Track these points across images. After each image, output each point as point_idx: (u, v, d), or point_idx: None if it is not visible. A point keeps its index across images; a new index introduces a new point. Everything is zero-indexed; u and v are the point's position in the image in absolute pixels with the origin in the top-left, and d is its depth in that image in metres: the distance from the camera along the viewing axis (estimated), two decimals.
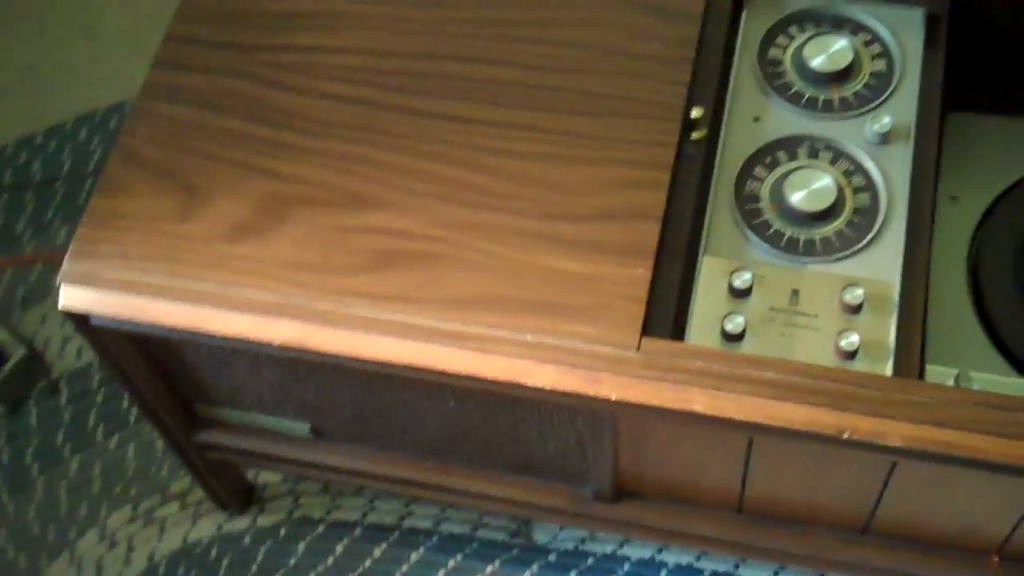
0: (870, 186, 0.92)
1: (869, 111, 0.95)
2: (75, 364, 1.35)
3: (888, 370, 0.85)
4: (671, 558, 1.18)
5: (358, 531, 1.23)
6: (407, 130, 0.94)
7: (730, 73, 0.98)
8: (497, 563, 1.20)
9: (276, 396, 1.01)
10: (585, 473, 0.99)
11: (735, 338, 0.87)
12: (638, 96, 0.93)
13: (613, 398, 0.83)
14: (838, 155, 0.94)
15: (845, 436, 0.80)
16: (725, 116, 0.96)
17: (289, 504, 1.25)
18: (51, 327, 1.37)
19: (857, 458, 0.85)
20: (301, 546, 1.22)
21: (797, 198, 0.91)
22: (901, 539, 0.96)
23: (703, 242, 0.91)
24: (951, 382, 0.90)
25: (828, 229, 0.91)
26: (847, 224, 0.91)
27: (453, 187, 0.91)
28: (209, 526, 1.25)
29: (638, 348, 0.83)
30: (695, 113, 0.92)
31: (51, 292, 1.39)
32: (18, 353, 1.32)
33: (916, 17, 0.99)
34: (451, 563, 1.20)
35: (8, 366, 1.31)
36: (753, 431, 0.83)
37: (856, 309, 0.87)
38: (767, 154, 0.94)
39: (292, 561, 1.22)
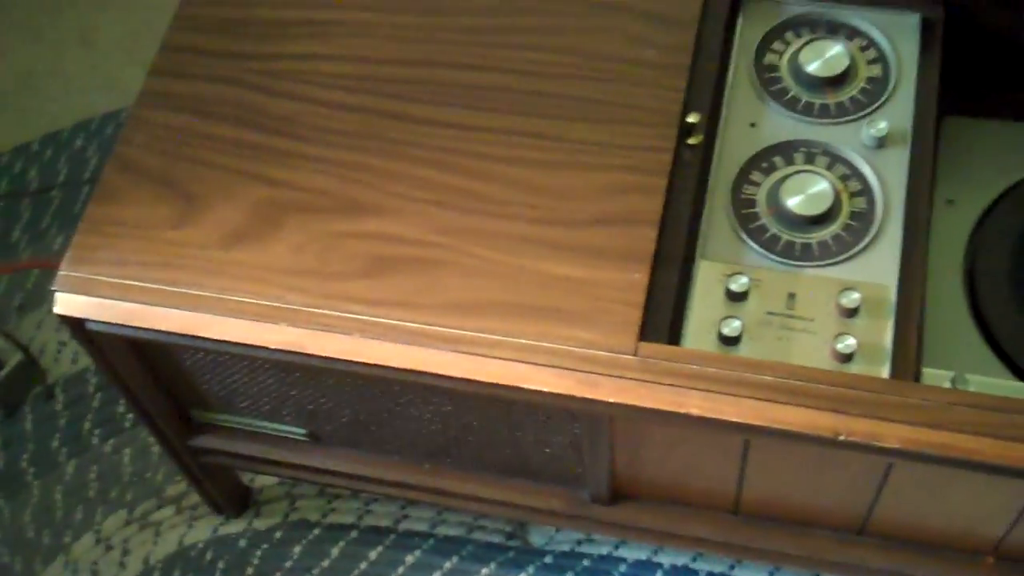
0: (866, 190, 0.93)
1: (865, 116, 0.96)
2: (71, 369, 1.35)
3: (885, 373, 0.85)
4: (667, 559, 1.19)
5: (354, 534, 1.23)
6: (403, 136, 0.94)
7: (726, 79, 0.98)
8: (493, 565, 1.20)
9: (272, 401, 1.01)
10: (581, 476, 0.99)
11: (732, 342, 0.87)
12: (635, 102, 0.93)
13: (610, 401, 0.83)
14: (834, 160, 0.94)
15: (841, 438, 0.80)
16: (721, 121, 0.96)
17: (285, 507, 1.25)
18: (47, 333, 1.37)
19: (853, 460, 0.85)
20: (297, 549, 1.22)
21: (794, 202, 0.91)
22: (897, 540, 0.97)
23: (700, 247, 0.91)
24: (947, 385, 0.90)
25: (825, 233, 0.91)
26: (843, 228, 0.91)
27: (449, 193, 0.91)
28: (205, 530, 1.25)
29: (635, 352, 0.83)
30: (692, 119, 0.92)
31: (47, 298, 1.39)
32: (14, 359, 1.32)
33: (911, 22, 1.00)
34: (447, 565, 1.20)
35: (4, 372, 1.31)
36: (750, 433, 0.84)
37: (852, 312, 0.87)
38: (763, 159, 0.95)
39: (288, 564, 1.22)
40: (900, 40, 0.99)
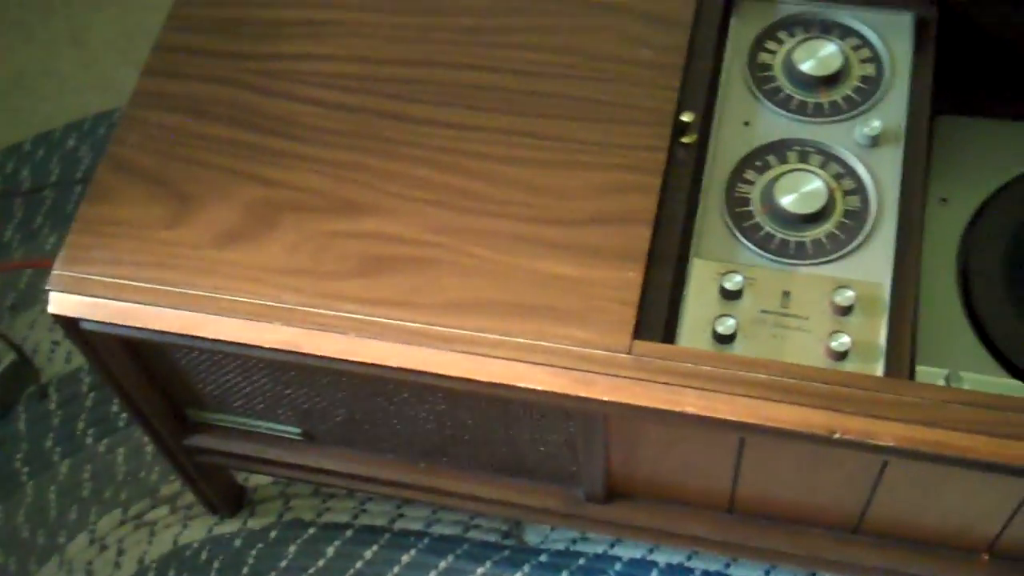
0: (860, 189, 0.93)
1: (859, 115, 0.96)
2: (64, 369, 1.35)
3: (879, 371, 0.86)
4: (662, 558, 1.19)
5: (349, 533, 1.23)
6: (398, 136, 0.94)
7: (720, 78, 0.98)
8: (488, 564, 1.20)
9: (267, 400, 1.01)
10: (577, 474, 0.99)
11: (726, 340, 0.87)
12: (630, 101, 0.93)
13: (605, 400, 0.83)
14: (828, 158, 0.94)
15: (836, 436, 0.81)
16: (715, 121, 0.96)
17: (280, 507, 1.25)
18: (40, 332, 1.37)
19: (848, 458, 0.86)
20: (292, 548, 1.22)
21: (788, 201, 0.91)
22: (892, 538, 0.97)
23: (694, 245, 0.91)
24: (941, 382, 0.90)
25: (819, 231, 0.91)
26: (837, 226, 0.91)
27: (444, 192, 0.91)
28: (199, 529, 1.24)
29: (630, 350, 0.83)
30: (686, 118, 0.93)
31: (40, 298, 1.39)
32: (7, 358, 1.32)
33: (905, 21, 1.00)
34: (442, 564, 1.20)
35: None
36: (744, 432, 0.84)
37: (847, 310, 0.87)
38: (757, 158, 0.95)
39: (283, 563, 1.22)
40: (893, 39, 0.99)
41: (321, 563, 1.21)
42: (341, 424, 1.02)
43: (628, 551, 1.20)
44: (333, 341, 0.86)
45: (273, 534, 1.23)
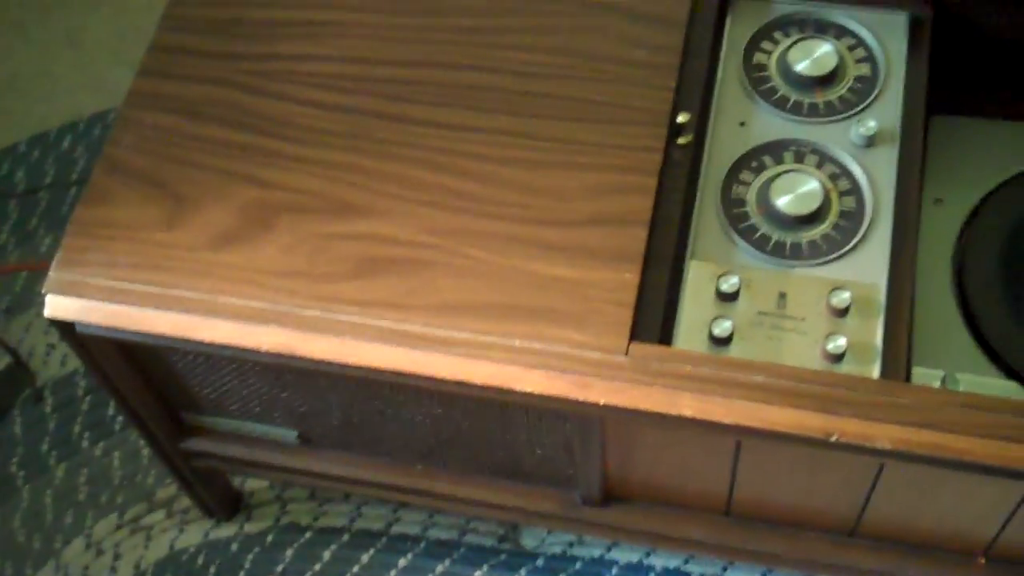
0: (856, 189, 0.93)
1: (854, 115, 0.96)
2: (60, 372, 1.35)
3: (875, 373, 0.85)
4: (659, 561, 1.19)
5: (345, 537, 1.23)
6: (393, 137, 0.94)
7: (715, 78, 0.98)
8: (485, 568, 1.20)
9: (263, 403, 1.01)
10: (573, 477, 0.99)
11: (723, 342, 0.87)
12: (625, 102, 0.93)
13: (602, 403, 0.83)
14: (824, 159, 0.94)
15: (833, 439, 0.80)
16: (711, 121, 0.96)
17: (276, 511, 1.25)
18: (35, 335, 1.37)
19: (845, 460, 0.85)
20: (289, 553, 1.22)
21: (783, 202, 0.91)
22: (889, 541, 0.97)
23: (690, 246, 0.91)
24: (937, 384, 0.90)
25: (815, 232, 0.91)
26: (833, 227, 0.91)
27: (440, 193, 0.91)
28: (196, 534, 1.24)
29: (626, 353, 0.83)
30: (681, 118, 0.92)
31: (35, 301, 1.39)
32: (2, 362, 1.32)
33: (899, 21, 1.00)
34: (439, 568, 1.20)
35: None
36: (741, 434, 0.84)
37: (843, 312, 0.87)
38: (753, 158, 0.95)
39: (280, 568, 1.21)
40: (888, 39, 0.99)
41: (318, 567, 1.21)
42: (337, 427, 1.02)
43: (625, 554, 1.19)
44: (329, 344, 0.86)
45: (270, 538, 1.23)
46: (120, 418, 1.30)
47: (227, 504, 1.23)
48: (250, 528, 1.24)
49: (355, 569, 1.21)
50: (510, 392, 0.84)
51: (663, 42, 0.96)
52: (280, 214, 0.91)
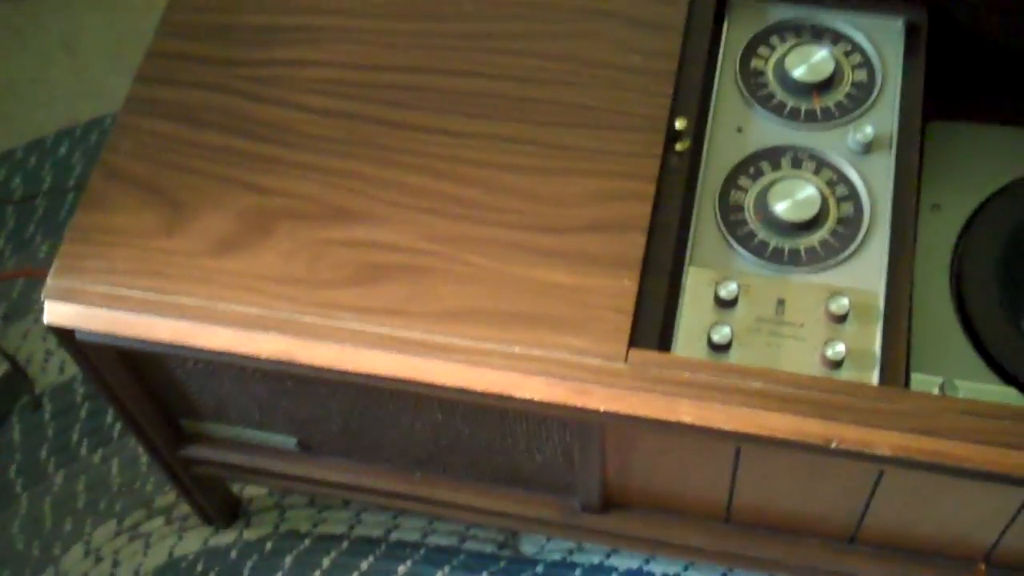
0: (853, 195, 0.93)
1: (851, 121, 0.96)
2: (58, 379, 1.34)
3: (874, 379, 0.85)
4: (659, 568, 1.19)
5: (345, 544, 1.22)
6: (392, 143, 0.94)
7: (713, 84, 0.98)
8: (485, 574, 1.19)
9: (263, 410, 1.01)
10: (573, 484, 0.99)
11: (722, 348, 0.87)
12: (623, 108, 0.93)
13: (601, 409, 0.83)
14: (821, 165, 0.94)
15: (832, 445, 0.80)
16: (708, 127, 0.96)
17: (275, 518, 1.25)
18: (33, 342, 1.37)
19: (844, 467, 0.85)
20: (288, 560, 1.22)
21: (781, 208, 0.91)
22: (889, 547, 0.97)
23: (688, 253, 0.91)
24: (936, 390, 0.90)
25: (813, 239, 0.91)
26: (831, 234, 0.91)
27: (439, 200, 0.91)
28: (195, 541, 1.24)
29: (626, 359, 0.83)
30: (679, 124, 0.93)
31: (33, 308, 1.39)
32: (0, 368, 1.32)
33: (896, 27, 1.00)
34: (438, 575, 1.20)
35: None
36: (741, 441, 0.84)
37: (841, 318, 0.87)
38: (751, 164, 0.95)
39: (279, 575, 1.21)
40: (885, 44, 0.99)
41: (317, 574, 1.21)
42: (337, 434, 1.02)
43: (624, 561, 1.19)
44: (328, 350, 0.86)
45: (269, 545, 1.23)
46: (119, 425, 1.30)
47: (226, 511, 1.23)
48: (249, 535, 1.24)
49: None
50: (510, 399, 0.84)
51: (660, 48, 0.96)
52: (279, 220, 0.91)
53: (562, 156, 0.92)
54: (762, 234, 0.92)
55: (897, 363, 0.86)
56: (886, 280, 0.89)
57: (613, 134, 0.92)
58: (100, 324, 0.89)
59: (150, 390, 1.00)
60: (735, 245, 0.91)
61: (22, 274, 1.41)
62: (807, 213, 0.91)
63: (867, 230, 0.91)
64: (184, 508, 1.25)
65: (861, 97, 0.97)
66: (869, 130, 0.93)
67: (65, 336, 0.91)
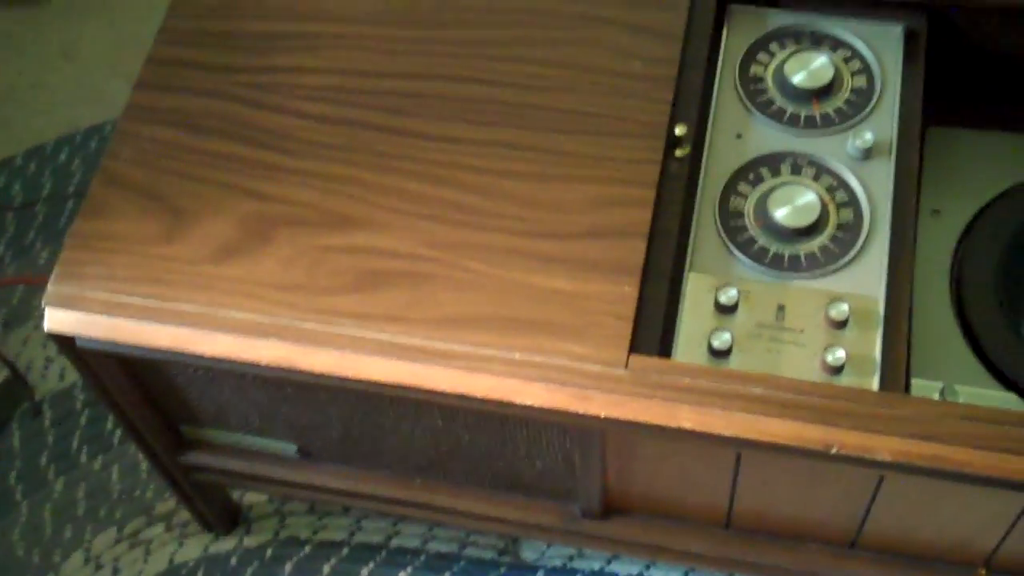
0: (853, 201, 0.93)
1: (851, 127, 0.96)
2: (58, 386, 1.34)
3: (874, 384, 0.86)
4: (659, 574, 1.19)
5: (345, 551, 1.22)
6: (392, 150, 0.94)
7: (712, 91, 0.98)
8: None
9: (263, 417, 1.01)
10: (573, 490, 0.99)
11: (722, 354, 0.87)
12: (622, 114, 0.93)
13: (602, 416, 0.83)
14: (821, 171, 0.94)
15: (833, 451, 0.80)
16: (708, 133, 0.96)
17: (275, 525, 1.24)
18: (33, 349, 1.37)
19: (845, 472, 0.85)
20: (288, 567, 1.22)
21: (781, 214, 0.91)
22: (889, 552, 0.97)
23: (688, 259, 0.91)
24: (936, 396, 0.90)
25: (812, 245, 0.91)
26: (831, 239, 0.91)
27: (439, 206, 0.91)
28: (195, 548, 1.24)
29: (626, 365, 0.83)
30: (679, 131, 0.93)
31: (33, 314, 1.39)
32: (0, 375, 1.32)
33: (895, 33, 1.00)
34: None
35: None
36: (741, 447, 0.84)
37: (842, 324, 0.87)
38: (750, 171, 0.95)
39: None
40: (884, 51, 0.99)
41: None
42: (337, 440, 1.02)
43: (625, 567, 1.19)
44: (328, 357, 0.86)
45: (269, 552, 1.23)
46: (119, 432, 1.30)
47: (226, 518, 1.23)
48: (249, 542, 1.24)
49: None
50: (510, 405, 0.84)
51: (660, 54, 0.96)
52: (279, 227, 0.91)
53: (562, 162, 0.92)
54: (762, 240, 0.92)
55: (897, 369, 0.86)
56: (886, 286, 0.89)
57: (613, 140, 0.92)
58: (100, 331, 0.89)
59: (150, 397, 1.00)
60: (735, 251, 0.91)
61: (22, 281, 1.41)
62: (807, 219, 0.91)
63: (867, 236, 0.91)
64: (184, 515, 1.25)
65: (860, 103, 0.97)
66: (869, 136, 0.93)
67: (65, 343, 0.91)
